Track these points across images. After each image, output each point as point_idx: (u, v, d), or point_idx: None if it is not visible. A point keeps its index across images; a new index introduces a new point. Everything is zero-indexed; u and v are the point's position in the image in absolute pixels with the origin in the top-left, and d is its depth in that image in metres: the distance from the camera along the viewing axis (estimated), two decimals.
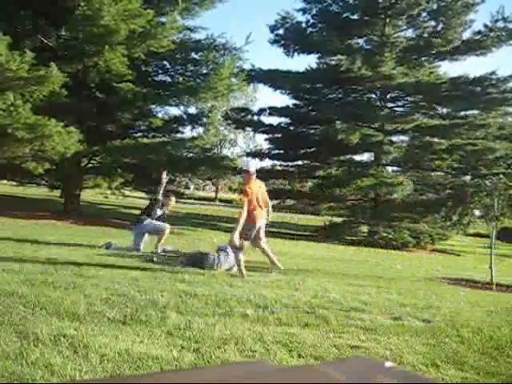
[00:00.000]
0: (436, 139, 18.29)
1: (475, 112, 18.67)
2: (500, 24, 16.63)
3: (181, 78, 13.72)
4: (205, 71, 13.87)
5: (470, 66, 33.94)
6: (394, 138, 19.90)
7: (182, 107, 15.15)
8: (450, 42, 17.41)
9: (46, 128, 9.91)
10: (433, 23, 18.24)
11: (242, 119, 20.42)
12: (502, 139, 17.65)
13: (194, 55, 14.49)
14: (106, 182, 14.70)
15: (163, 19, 12.79)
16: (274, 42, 18.87)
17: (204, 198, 44.16)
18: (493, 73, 17.05)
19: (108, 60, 11.14)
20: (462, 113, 18.80)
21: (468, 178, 19.18)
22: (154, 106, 14.96)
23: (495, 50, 17.38)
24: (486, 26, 16.87)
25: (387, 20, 18.13)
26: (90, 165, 14.63)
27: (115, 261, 6.32)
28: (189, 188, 45.46)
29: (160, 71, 15.31)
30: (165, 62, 14.78)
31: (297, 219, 26.11)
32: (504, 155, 17.30)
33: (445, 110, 19.34)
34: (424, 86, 16.92)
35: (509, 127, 18.07)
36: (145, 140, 14.72)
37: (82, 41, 11.09)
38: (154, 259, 6.68)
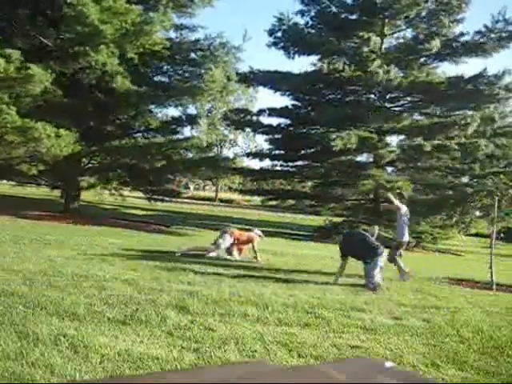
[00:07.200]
0: (433, 140, 18.30)
1: (472, 112, 18.64)
2: (500, 25, 16.63)
3: (179, 79, 13.67)
4: (202, 71, 13.81)
5: (471, 69, 33.77)
6: (393, 138, 19.92)
7: (180, 108, 15.15)
8: (446, 40, 17.40)
9: (35, 131, 9.86)
10: (431, 23, 18.22)
11: (241, 120, 20.43)
12: (498, 136, 17.61)
13: (192, 55, 14.44)
14: (105, 183, 14.65)
15: (154, 15, 12.61)
16: (272, 44, 18.83)
17: (203, 198, 44.12)
18: (485, 69, 17.02)
19: (100, 59, 11.06)
20: (461, 112, 18.76)
21: (467, 178, 19.19)
22: (152, 107, 14.94)
23: (495, 52, 17.33)
24: (486, 26, 16.86)
25: (386, 20, 18.13)
26: (90, 165, 14.61)
27: (115, 261, 6.32)
28: (189, 188, 45.43)
29: (158, 72, 15.29)
30: (163, 63, 14.74)
31: (297, 219, 26.09)
32: (501, 155, 17.28)
33: (443, 111, 19.31)
34: (422, 85, 16.90)
35: (505, 127, 18.04)
36: (143, 140, 14.71)
37: (70, 41, 11.02)
38: None
